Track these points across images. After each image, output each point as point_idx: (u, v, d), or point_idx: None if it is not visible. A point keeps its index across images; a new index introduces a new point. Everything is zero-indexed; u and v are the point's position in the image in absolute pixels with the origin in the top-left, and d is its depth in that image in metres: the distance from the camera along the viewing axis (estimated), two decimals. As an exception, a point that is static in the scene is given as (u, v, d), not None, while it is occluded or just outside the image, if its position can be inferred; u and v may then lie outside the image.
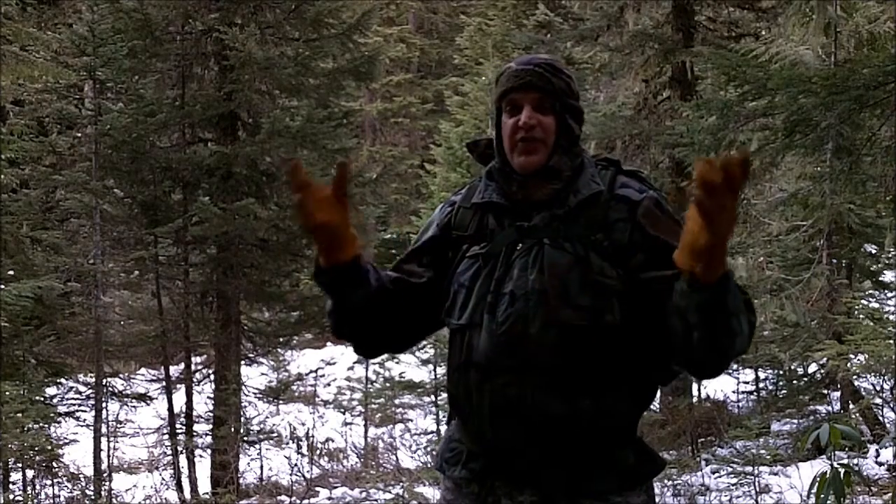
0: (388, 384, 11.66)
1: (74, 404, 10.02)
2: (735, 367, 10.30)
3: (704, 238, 1.70)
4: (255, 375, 11.56)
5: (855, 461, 6.83)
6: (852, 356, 7.30)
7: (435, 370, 10.24)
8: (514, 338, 1.97)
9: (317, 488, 9.17)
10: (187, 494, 9.54)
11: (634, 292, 2.00)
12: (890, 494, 6.43)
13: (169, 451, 9.95)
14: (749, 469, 6.75)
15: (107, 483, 9.20)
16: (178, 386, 10.48)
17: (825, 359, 7.92)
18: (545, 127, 2.06)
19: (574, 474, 2.01)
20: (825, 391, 9.34)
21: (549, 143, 2.06)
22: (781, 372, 9.96)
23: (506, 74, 2.10)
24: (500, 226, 2.10)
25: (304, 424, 11.40)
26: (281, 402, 11.67)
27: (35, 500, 8.51)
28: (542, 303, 1.98)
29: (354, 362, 14.18)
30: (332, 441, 11.46)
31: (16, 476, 8.74)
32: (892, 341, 6.82)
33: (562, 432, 1.98)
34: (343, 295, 2.05)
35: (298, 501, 8.46)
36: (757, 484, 6.71)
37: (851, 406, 8.18)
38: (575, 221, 2.04)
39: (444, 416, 10.23)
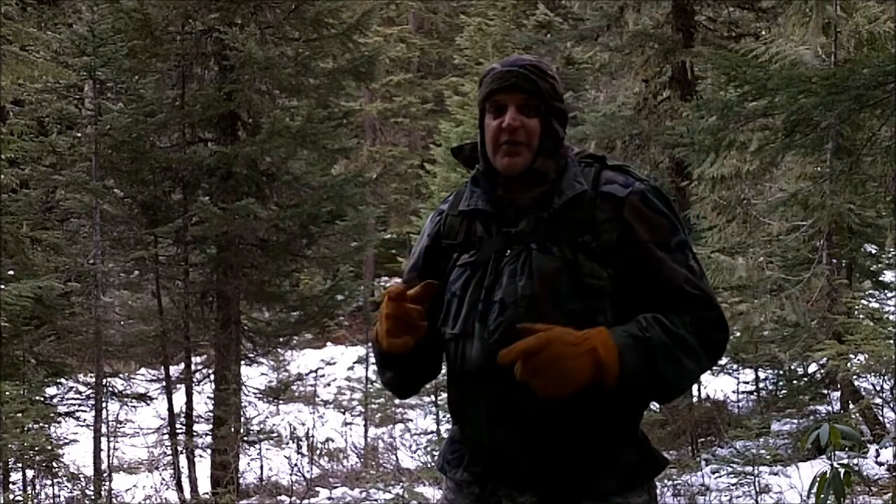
0: (388, 384, 11.65)
1: (74, 404, 10.02)
2: (735, 367, 10.32)
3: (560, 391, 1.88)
4: (255, 375, 11.56)
5: (855, 461, 6.83)
6: (852, 356, 7.30)
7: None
8: (506, 346, 1.91)
9: (317, 488, 9.17)
10: (187, 494, 9.54)
11: (625, 291, 2.00)
12: (890, 494, 6.42)
13: (169, 451, 9.95)
14: (749, 469, 6.74)
15: (107, 483, 9.20)
16: (178, 386, 10.48)
17: (825, 359, 7.91)
18: (529, 129, 2.02)
19: (575, 476, 2.00)
20: (825, 391, 9.34)
21: (532, 145, 2.03)
22: (781, 372, 9.97)
23: (491, 75, 2.07)
24: (487, 233, 2.08)
25: (304, 424, 11.41)
26: (281, 402, 11.68)
27: (35, 500, 8.51)
28: (533, 309, 1.96)
29: (354, 362, 14.22)
30: (332, 441, 11.46)
31: (16, 476, 8.74)
32: (892, 341, 6.82)
33: (559, 436, 1.98)
34: (411, 369, 2.15)
35: (298, 501, 8.46)
36: (757, 484, 6.70)
37: (851, 406, 8.18)
38: (560, 224, 2.02)
39: (444, 416, 10.23)
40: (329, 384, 12.99)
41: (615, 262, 1.99)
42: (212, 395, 10.40)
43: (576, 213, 2.02)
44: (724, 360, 10.04)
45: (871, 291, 9.46)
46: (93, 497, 8.70)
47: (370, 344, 2.26)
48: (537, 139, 2.04)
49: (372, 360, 13.12)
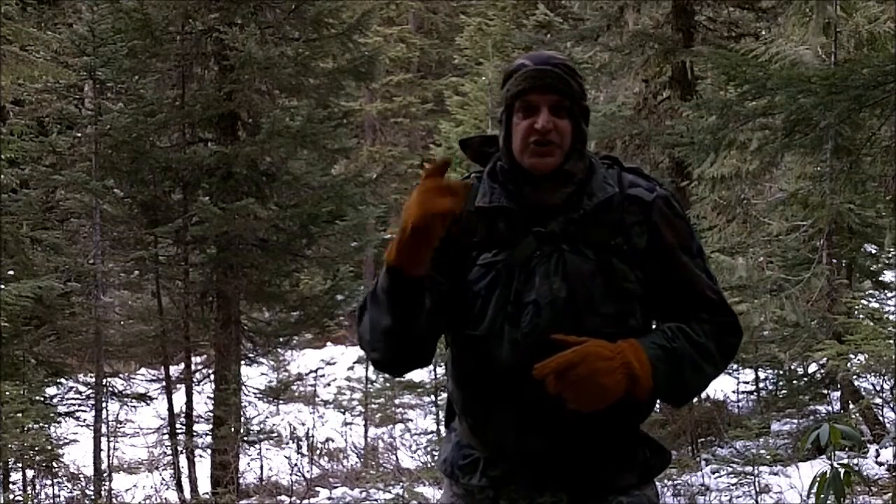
0: (387, 384, 11.66)
1: (74, 404, 10.02)
2: (735, 367, 10.31)
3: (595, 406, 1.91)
4: (255, 375, 11.56)
5: (855, 461, 6.82)
6: (852, 356, 7.30)
7: (435, 370, 10.23)
8: (540, 347, 1.91)
9: (317, 488, 9.17)
10: (187, 494, 9.54)
11: (651, 294, 2.03)
12: (890, 494, 6.42)
13: (169, 451, 9.95)
14: (749, 469, 6.75)
15: (107, 483, 9.20)
16: (178, 386, 10.47)
17: (825, 359, 7.92)
18: (561, 131, 1.99)
19: (600, 474, 2.02)
20: (825, 391, 9.34)
21: (564, 147, 1.99)
22: (781, 372, 9.96)
23: (522, 73, 2.00)
24: (512, 232, 2.02)
25: (304, 424, 11.40)
26: (281, 402, 11.67)
27: (35, 500, 8.51)
28: (568, 311, 1.95)
29: (354, 362, 14.20)
30: (332, 441, 11.46)
31: (16, 476, 8.74)
32: (892, 341, 6.82)
33: (588, 436, 1.99)
34: (413, 313, 1.94)
35: (298, 501, 8.46)
36: (757, 484, 6.71)
37: (851, 406, 8.18)
38: (592, 226, 2.00)
39: (444, 416, 10.19)
40: (329, 384, 12.97)
41: (644, 266, 2.01)
42: (212, 395, 10.39)
43: (606, 215, 2.02)
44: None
45: (871, 291, 9.45)
46: (93, 497, 8.70)
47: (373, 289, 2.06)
48: (569, 141, 2.00)
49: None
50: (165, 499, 9.37)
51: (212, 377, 10.54)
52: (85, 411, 9.88)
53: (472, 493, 2.08)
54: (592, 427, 1.97)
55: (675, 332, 1.98)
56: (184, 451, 9.80)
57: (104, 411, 9.62)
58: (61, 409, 9.80)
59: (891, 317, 8.20)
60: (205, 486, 9.67)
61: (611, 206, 2.02)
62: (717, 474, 7.10)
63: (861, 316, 7.83)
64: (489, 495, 2.05)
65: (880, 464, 7.27)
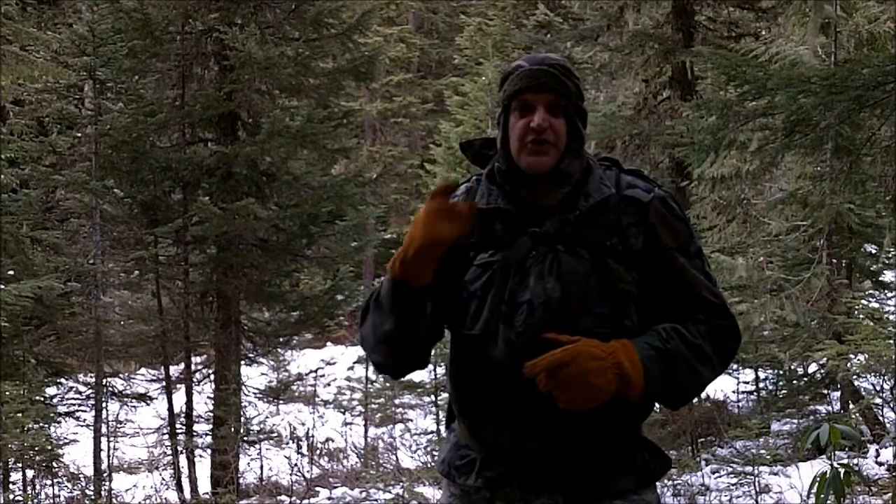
0: (387, 384, 11.66)
1: (74, 404, 10.03)
2: (735, 367, 10.31)
3: (587, 404, 1.90)
4: (255, 375, 11.56)
5: (855, 461, 6.83)
6: (852, 356, 7.30)
7: (435, 370, 10.23)
8: (534, 347, 1.91)
9: (317, 488, 9.17)
10: (187, 494, 9.54)
11: (648, 295, 2.02)
12: (890, 494, 6.43)
13: (169, 451, 9.95)
14: (749, 469, 6.75)
15: (107, 483, 9.20)
16: (178, 386, 10.47)
17: (825, 359, 7.92)
18: (557, 130, 2.00)
19: (596, 476, 2.01)
20: (825, 391, 9.34)
21: (559, 146, 2.01)
22: (781, 372, 9.96)
23: (518, 74, 2.03)
24: (509, 232, 2.04)
25: (304, 424, 11.40)
26: (281, 402, 11.67)
27: (35, 500, 8.51)
28: (562, 311, 1.96)
29: (354, 362, 14.20)
30: (332, 441, 11.46)
31: (16, 476, 8.74)
32: (892, 341, 6.82)
33: (582, 438, 1.98)
34: (415, 319, 1.99)
35: (298, 501, 8.46)
36: (757, 484, 6.70)
37: (851, 406, 8.18)
38: (588, 226, 2.01)
39: (444, 417, 10.18)
40: (329, 384, 12.97)
41: (640, 267, 2.01)
42: (212, 395, 10.40)
43: (602, 216, 2.02)
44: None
45: (871, 291, 9.45)
46: (93, 497, 8.70)
47: (376, 293, 2.10)
48: (564, 140, 2.02)
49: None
50: (165, 499, 9.37)
51: (212, 377, 10.55)
52: (85, 411, 9.89)
53: (468, 494, 2.08)
54: (588, 428, 1.97)
55: (670, 333, 1.97)
56: (184, 451, 9.80)
57: (104, 411, 9.62)
58: (61, 409, 9.80)
59: (891, 317, 8.20)
60: (205, 486, 9.67)
61: (607, 207, 2.03)
62: (717, 474, 7.10)
63: (861, 316, 7.83)
64: (485, 496, 2.06)
65: (880, 464, 7.27)
